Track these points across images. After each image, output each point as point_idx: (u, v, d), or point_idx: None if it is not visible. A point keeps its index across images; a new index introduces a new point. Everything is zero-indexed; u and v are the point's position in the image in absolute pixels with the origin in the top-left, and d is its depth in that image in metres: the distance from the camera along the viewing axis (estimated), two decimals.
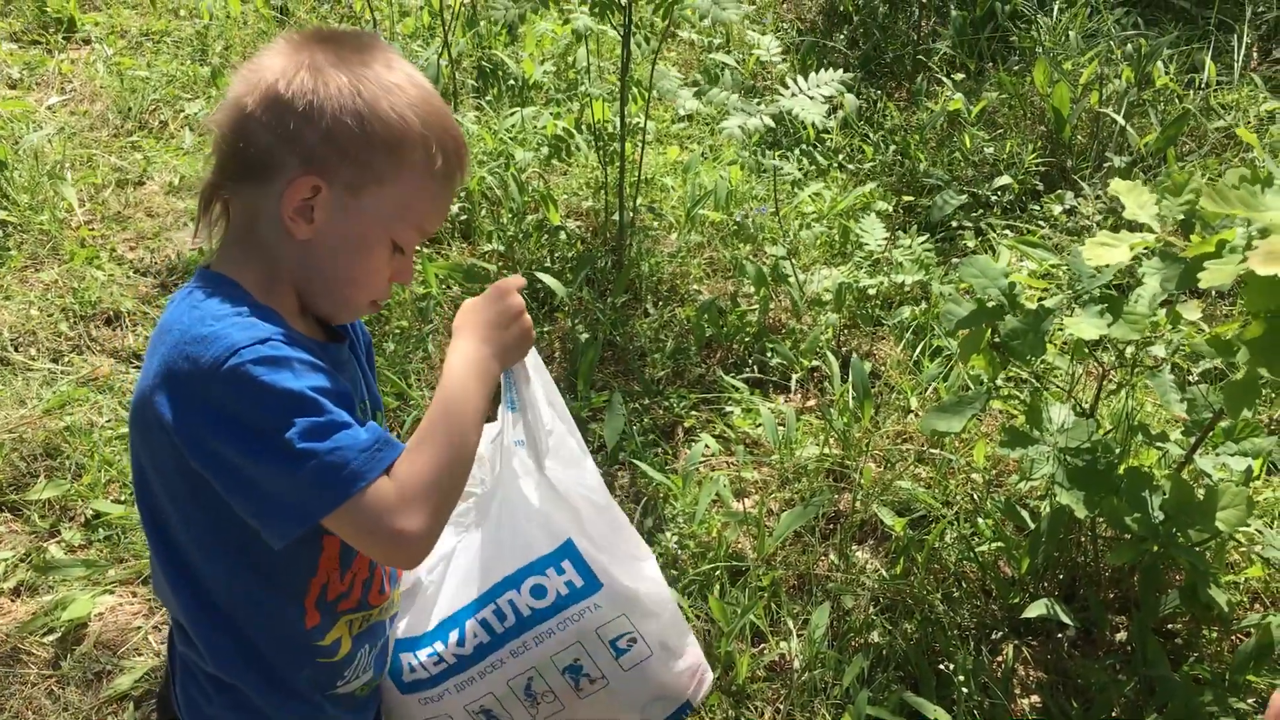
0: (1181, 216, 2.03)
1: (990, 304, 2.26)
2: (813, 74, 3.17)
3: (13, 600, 2.55)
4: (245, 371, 1.13)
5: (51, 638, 2.45)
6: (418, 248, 1.66)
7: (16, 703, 2.33)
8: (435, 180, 1.26)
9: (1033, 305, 2.27)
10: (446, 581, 1.58)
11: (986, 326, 2.30)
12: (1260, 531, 2.49)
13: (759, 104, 3.17)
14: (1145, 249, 2.01)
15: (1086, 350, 2.42)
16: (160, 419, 1.17)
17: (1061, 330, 2.71)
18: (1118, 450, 2.30)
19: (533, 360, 1.51)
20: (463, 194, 3.81)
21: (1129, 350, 2.52)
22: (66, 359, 3.22)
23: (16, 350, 3.21)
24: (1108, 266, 2.18)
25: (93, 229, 3.74)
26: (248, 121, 1.20)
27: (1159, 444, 2.41)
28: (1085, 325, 2.15)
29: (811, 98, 3.15)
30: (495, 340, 1.37)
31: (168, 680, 1.45)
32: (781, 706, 2.32)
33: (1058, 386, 2.78)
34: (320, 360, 1.21)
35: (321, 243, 1.24)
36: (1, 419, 2.96)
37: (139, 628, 2.49)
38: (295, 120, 1.19)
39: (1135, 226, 2.07)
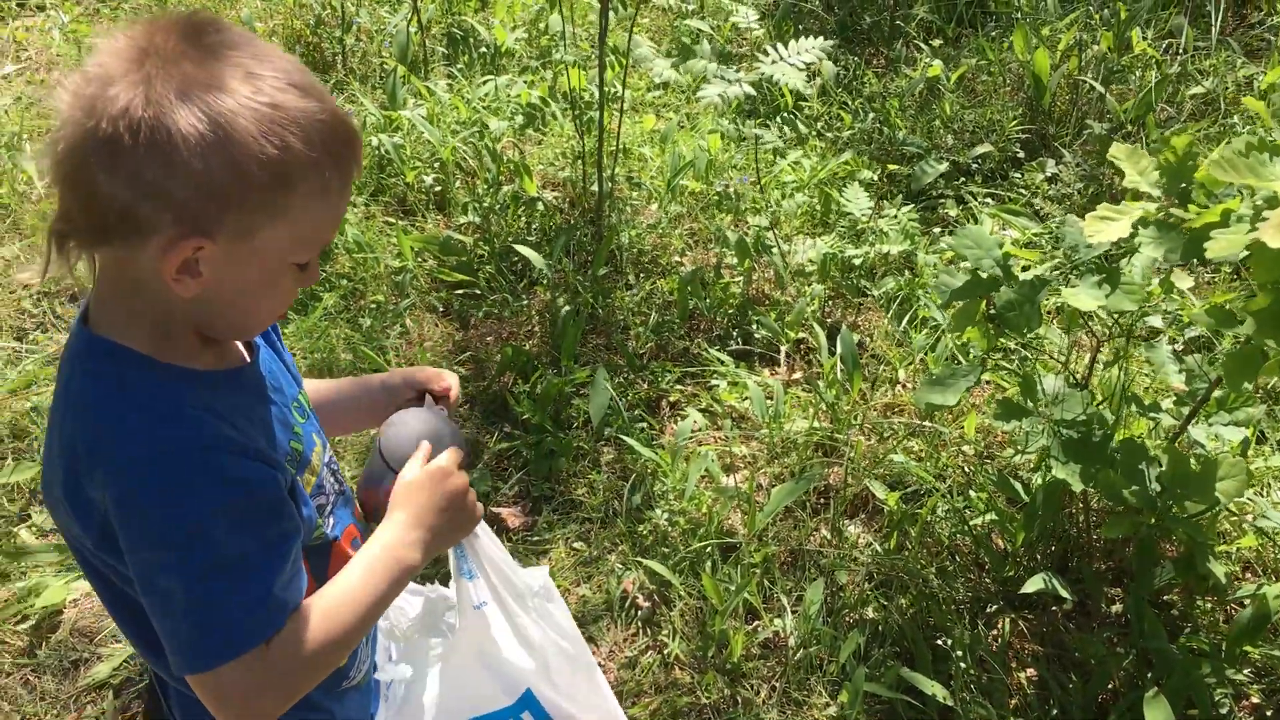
0: (1182, 184, 2.00)
1: (985, 276, 2.22)
2: (793, 41, 3.11)
3: None
4: (178, 478, 1.08)
5: (25, 625, 2.38)
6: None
7: None
8: (332, 194, 1.10)
9: (1026, 276, 2.24)
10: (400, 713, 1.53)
11: (981, 298, 2.27)
12: (1252, 500, 2.49)
13: (738, 72, 3.11)
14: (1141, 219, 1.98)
15: (1081, 321, 2.39)
16: (95, 505, 1.10)
17: (1054, 301, 2.68)
18: (1113, 422, 2.28)
19: (481, 527, 1.46)
20: (436, 164, 3.73)
21: (1123, 320, 2.50)
22: (31, 337, 3.12)
23: (43, 287, 3.12)
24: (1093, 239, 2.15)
25: (53, 202, 3.62)
26: (95, 176, 1.00)
27: (1152, 415, 2.39)
28: (1083, 296, 2.12)
29: (792, 65, 3.09)
30: (431, 525, 1.29)
31: (156, 696, 1.39)
32: (777, 684, 2.29)
33: (1050, 357, 2.76)
34: (237, 409, 1.15)
35: (216, 293, 1.10)
36: None
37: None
38: (154, 172, 0.99)
39: (1136, 195, 2.04)
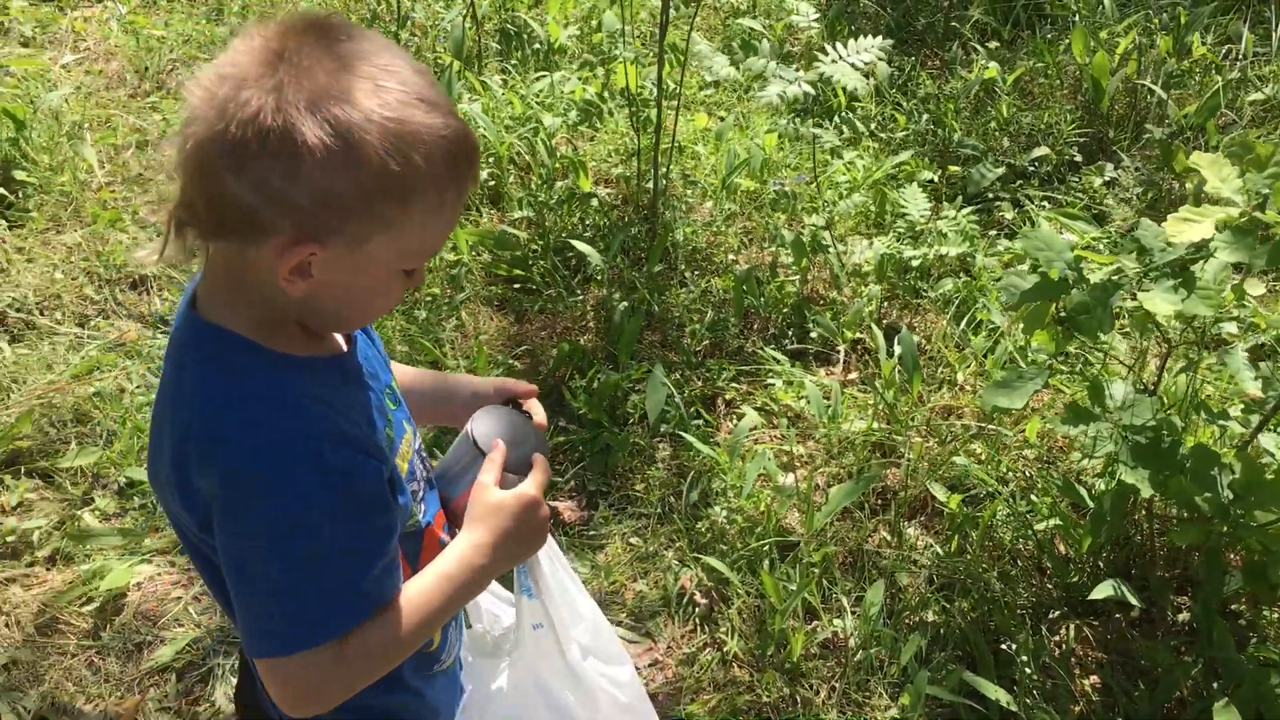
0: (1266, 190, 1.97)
1: (1055, 278, 2.20)
2: (852, 41, 3.10)
3: (48, 569, 2.49)
4: (286, 467, 1.10)
5: (90, 607, 2.41)
6: None
7: (56, 673, 2.29)
8: (447, 208, 1.12)
9: (1099, 279, 2.21)
10: None
11: (1052, 301, 2.25)
12: None
13: (797, 71, 3.10)
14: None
15: (1152, 326, 2.37)
16: (200, 491, 1.13)
17: (1124, 305, 2.65)
18: (1181, 428, 2.26)
19: (549, 547, 1.46)
20: (491, 159, 3.74)
21: (1195, 326, 2.47)
22: (93, 323, 3.15)
23: (42, 314, 3.15)
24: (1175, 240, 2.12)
25: (113, 191, 3.66)
26: (221, 176, 1.02)
27: (1220, 422, 2.36)
28: (1158, 300, 2.10)
29: (852, 64, 3.08)
30: (509, 553, 1.31)
31: (250, 676, 1.41)
32: (837, 685, 2.28)
33: (1119, 361, 2.74)
34: (340, 397, 1.18)
35: (324, 293, 1.12)
36: (30, 384, 2.90)
37: (178, 598, 2.44)
38: (279, 179, 1.02)
39: (1198, 200, 2.02)
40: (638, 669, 2.31)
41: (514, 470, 1.35)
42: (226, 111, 1.01)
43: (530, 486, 1.32)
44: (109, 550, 2.51)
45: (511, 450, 1.36)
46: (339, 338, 1.27)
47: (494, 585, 1.62)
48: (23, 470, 2.70)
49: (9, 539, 2.52)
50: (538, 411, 1.49)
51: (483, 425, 1.37)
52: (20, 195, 3.56)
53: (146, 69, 4.31)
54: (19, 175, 3.59)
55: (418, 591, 1.22)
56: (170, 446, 1.14)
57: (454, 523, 1.39)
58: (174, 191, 1.08)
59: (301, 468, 1.11)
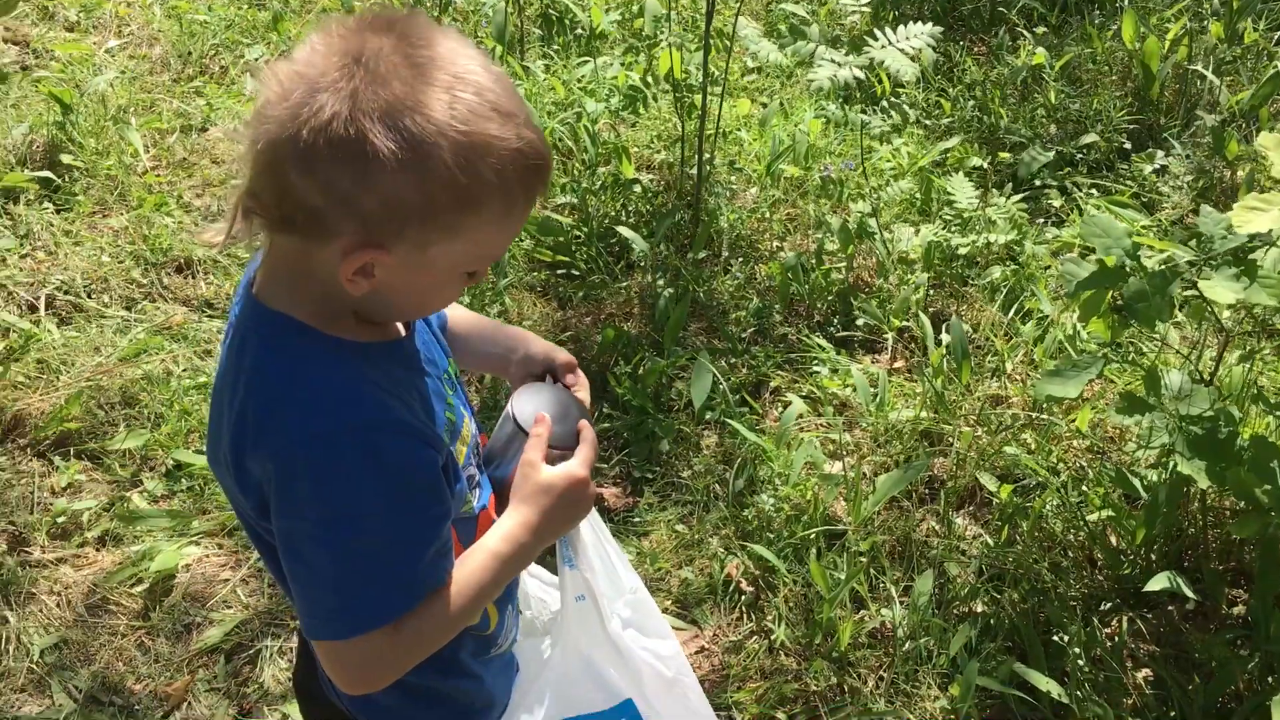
0: None
1: (1113, 265, 2.17)
2: (901, 26, 3.06)
3: (98, 550, 2.51)
4: (342, 455, 1.10)
5: (140, 588, 2.42)
6: None
7: (107, 653, 2.31)
8: (513, 217, 1.12)
9: (1156, 266, 2.18)
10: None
11: (1108, 289, 2.22)
12: None
13: (846, 55, 3.06)
14: None
15: (1210, 314, 2.33)
16: (253, 475, 1.14)
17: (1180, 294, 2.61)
18: (1239, 419, 2.22)
19: (591, 518, 1.44)
20: None
21: (1255, 315, 2.43)
22: (139, 306, 3.17)
23: (90, 297, 3.17)
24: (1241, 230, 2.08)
25: (159, 175, 3.68)
26: (290, 177, 1.03)
27: (1278, 413, 2.33)
28: (1219, 288, 2.07)
29: (902, 50, 3.04)
30: (554, 531, 1.32)
31: (306, 664, 1.41)
32: (885, 675, 2.26)
33: (1174, 351, 2.70)
34: (399, 383, 1.18)
35: (385, 291, 1.12)
36: (78, 367, 2.92)
37: (226, 580, 2.45)
38: (347, 185, 1.02)
39: (1250, 186, 1.98)
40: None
41: (558, 445, 1.34)
42: (300, 115, 1.01)
43: (577, 465, 1.31)
44: (158, 532, 2.53)
45: (556, 425, 1.35)
46: (398, 324, 1.26)
47: (541, 571, 1.62)
48: (72, 452, 2.72)
49: (59, 520, 2.54)
50: (582, 384, 1.47)
51: (524, 404, 1.36)
52: (67, 179, 3.58)
53: (190, 54, 4.32)
54: (66, 159, 3.62)
55: (468, 570, 1.22)
56: (229, 429, 1.14)
57: (504, 504, 1.39)
58: (243, 178, 1.08)
59: (357, 456, 1.10)
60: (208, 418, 1.28)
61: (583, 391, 1.47)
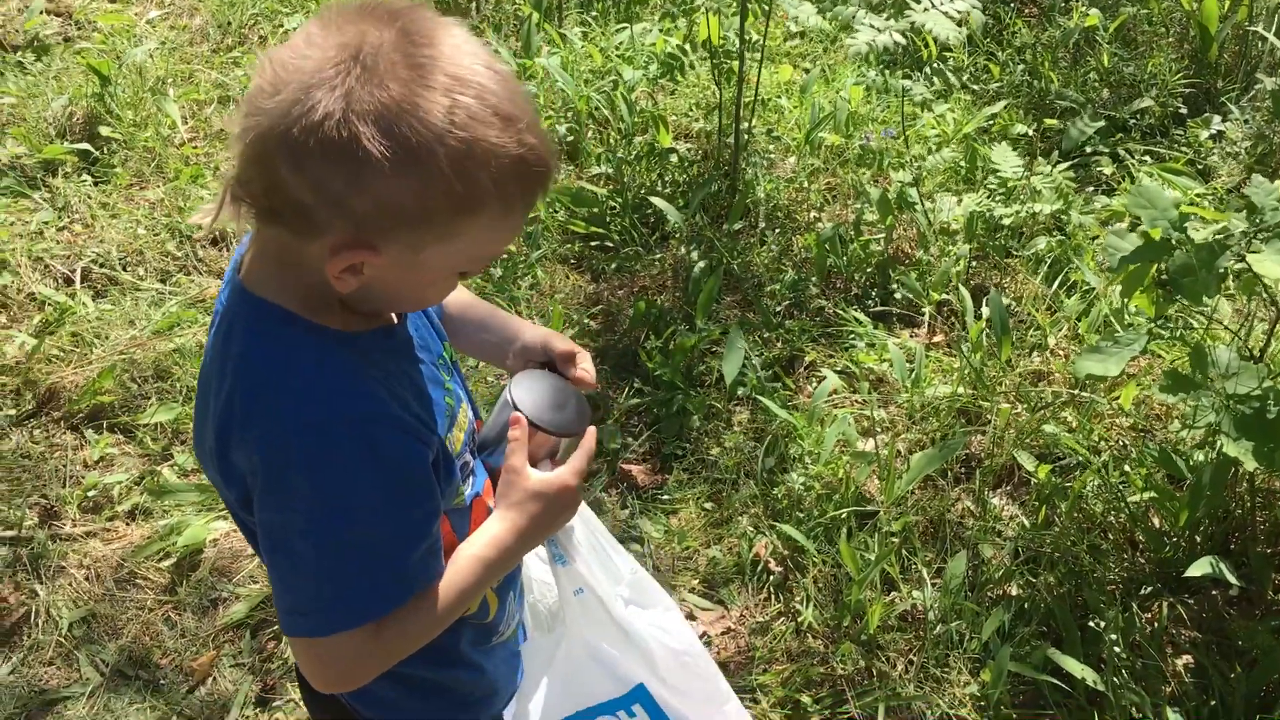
0: None
1: (1158, 238, 2.08)
2: None
3: (128, 524, 2.53)
4: (334, 447, 1.07)
5: (167, 563, 2.43)
6: None
7: (134, 627, 2.32)
8: (509, 221, 1.07)
9: (1204, 239, 2.09)
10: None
11: (1153, 262, 2.13)
12: None
13: (887, 19, 2.97)
14: None
15: (1260, 289, 2.23)
16: (238, 467, 1.11)
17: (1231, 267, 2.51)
18: None
19: (581, 510, 1.42)
20: (570, 114, 3.68)
21: None
22: (174, 279, 3.18)
23: (125, 270, 3.18)
24: None
25: (196, 147, 3.68)
26: (280, 172, 0.98)
27: None
28: (1269, 262, 1.98)
29: (945, 13, 2.94)
30: (540, 534, 1.29)
31: None
32: (915, 658, 2.21)
33: (1223, 327, 2.59)
34: (390, 373, 1.14)
35: (375, 288, 1.09)
36: (112, 340, 2.93)
37: (252, 555, 2.45)
38: (338, 185, 0.97)
39: None
40: (709, 637, 2.28)
41: (557, 430, 1.30)
42: (292, 112, 0.96)
43: (569, 475, 1.27)
44: (186, 506, 2.53)
45: (553, 413, 1.31)
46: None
47: (543, 553, 1.58)
48: (105, 425, 2.74)
49: (90, 493, 2.55)
50: (587, 369, 1.42)
51: (522, 391, 1.32)
52: (105, 151, 3.59)
53: (229, 24, 4.32)
54: (104, 131, 3.63)
55: (452, 573, 1.19)
56: (214, 417, 1.11)
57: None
58: (232, 164, 1.05)
59: (345, 448, 1.07)
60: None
61: (586, 362, 1.42)
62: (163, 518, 2.51)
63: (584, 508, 1.43)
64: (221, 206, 1.08)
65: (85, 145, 3.57)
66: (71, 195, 3.39)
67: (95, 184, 3.49)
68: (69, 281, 3.13)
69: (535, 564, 1.58)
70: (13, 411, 2.75)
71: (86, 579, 2.39)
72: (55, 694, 2.19)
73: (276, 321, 1.10)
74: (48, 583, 2.38)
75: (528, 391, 1.32)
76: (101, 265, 3.18)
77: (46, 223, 3.30)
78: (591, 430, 1.33)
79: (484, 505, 1.31)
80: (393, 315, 1.21)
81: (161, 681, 2.23)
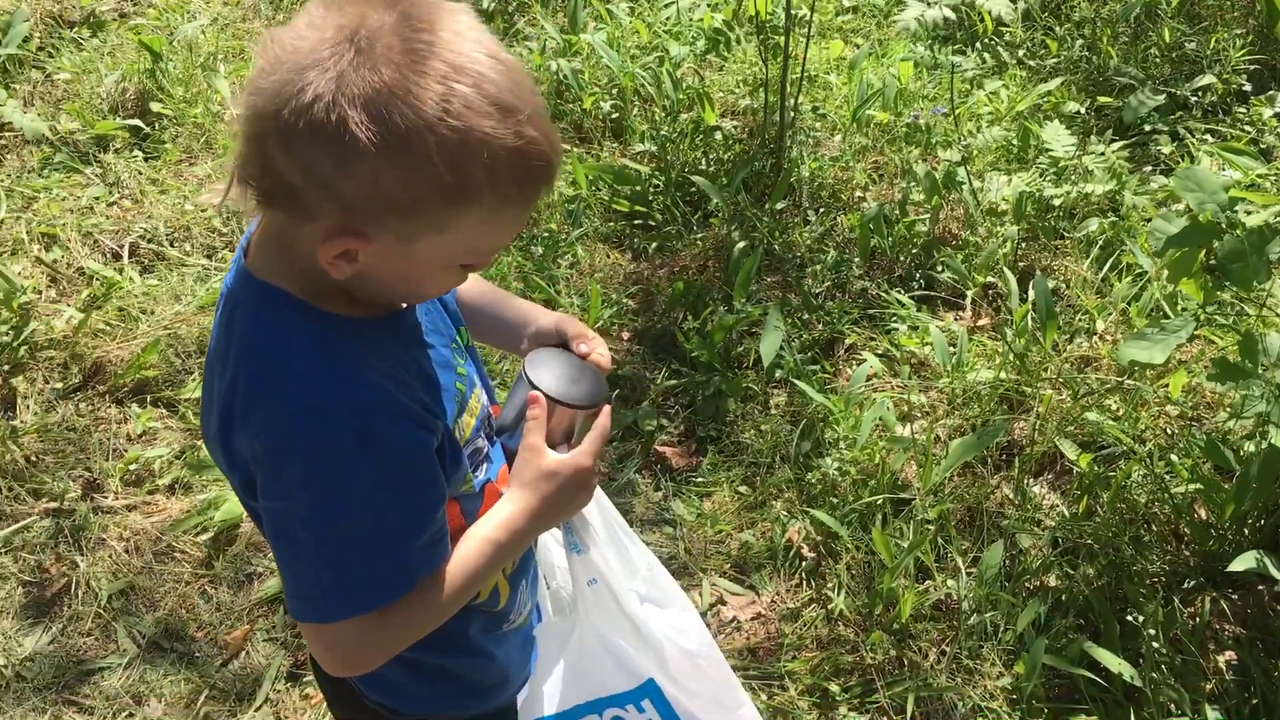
0: None
1: (1207, 221, 2.01)
2: None
3: (168, 497, 2.56)
4: (335, 435, 1.06)
5: (204, 537, 2.46)
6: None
7: (171, 600, 2.35)
8: (507, 216, 1.04)
9: (1257, 223, 2.01)
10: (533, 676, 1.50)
11: (1201, 247, 2.06)
12: None
13: None
14: None
15: None
16: (240, 453, 1.11)
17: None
18: None
19: (597, 497, 1.40)
20: (615, 90, 3.65)
21: None
22: (220, 255, 3.21)
23: (172, 245, 3.22)
24: None
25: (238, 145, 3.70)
26: (273, 153, 0.98)
27: None
28: None
29: None
30: (553, 518, 1.28)
31: None
32: (947, 649, 2.17)
33: (1277, 314, 2.51)
34: (396, 359, 1.13)
35: (372, 277, 1.07)
36: (158, 315, 2.97)
37: None
38: (327, 168, 0.96)
39: None
40: (738, 621, 2.27)
41: (573, 404, 1.29)
42: (284, 92, 0.95)
43: (584, 456, 1.26)
44: (225, 481, 2.55)
45: (569, 386, 1.30)
46: None
47: (560, 538, 1.57)
48: (148, 399, 2.77)
49: (132, 466, 2.59)
50: (602, 353, 1.40)
51: (538, 369, 1.31)
52: (156, 127, 3.63)
53: (282, 0, 4.34)
54: (155, 107, 3.66)
55: (461, 556, 1.18)
56: (219, 400, 1.11)
57: None
58: (236, 145, 1.04)
59: (345, 437, 1.06)
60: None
61: (600, 346, 1.40)
62: (201, 492, 2.55)
63: (603, 498, 1.41)
64: (230, 187, 1.07)
65: (136, 121, 3.61)
66: (122, 171, 3.44)
67: (145, 160, 3.53)
68: (117, 256, 3.17)
69: (557, 550, 1.57)
70: (60, 385, 2.80)
71: (126, 551, 2.43)
72: (92, 664, 2.24)
73: (279, 306, 1.09)
74: (88, 554, 2.42)
75: (542, 367, 1.31)
76: (149, 241, 3.22)
77: (97, 198, 3.34)
78: (606, 410, 1.32)
79: (496, 491, 1.30)
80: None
81: (196, 654, 2.26)
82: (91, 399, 2.78)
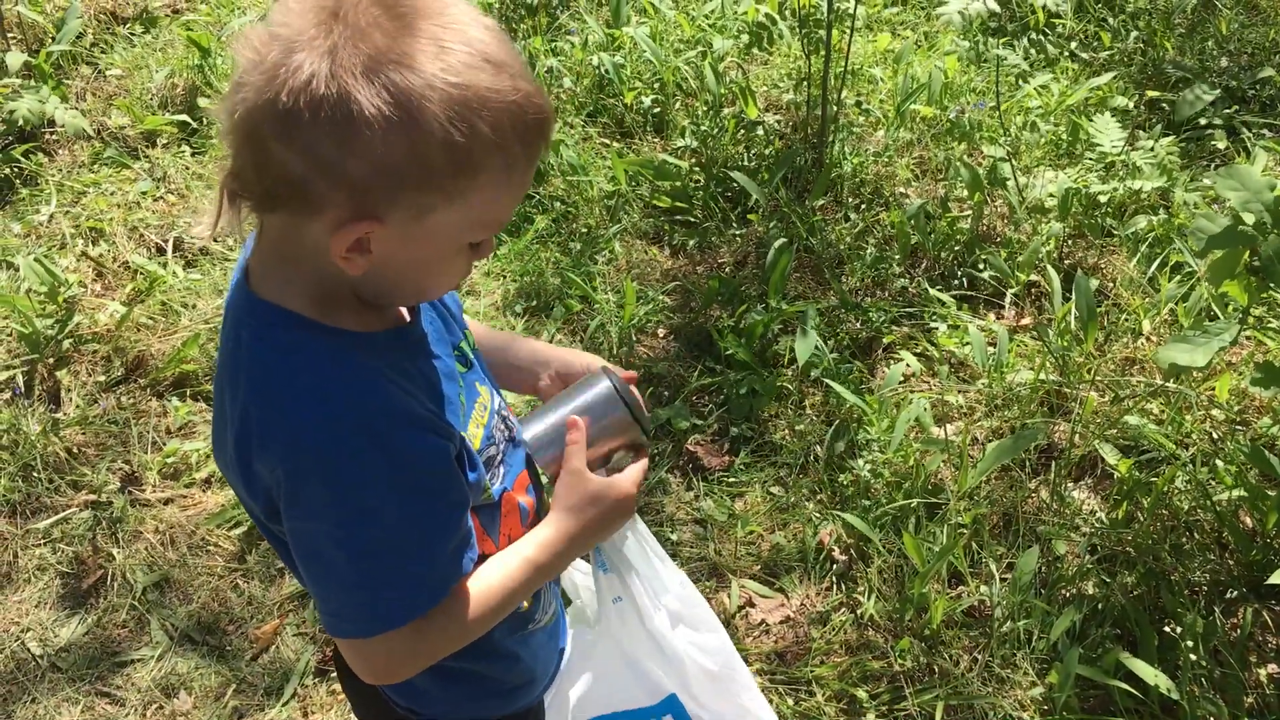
0: None
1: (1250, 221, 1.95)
2: None
3: (204, 490, 2.59)
4: (355, 450, 1.05)
5: (238, 531, 2.48)
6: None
7: (204, 593, 2.38)
8: (514, 179, 1.03)
9: None
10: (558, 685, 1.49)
11: (1244, 248, 1.99)
12: None
13: None
14: None
15: None
16: (262, 479, 1.09)
17: None
18: None
19: (633, 519, 1.40)
20: (656, 85, 3.63)
21: None
22: None
23: (215, 240, 3.25)
24: None
25: (227, 159, 3.72)
26: (270, 145, 0.94)
27: None
28: None
29: None
30: (593, 539, 1.29)
31: None
32: (979, 656, 2.13)
33: None
34: (406, 373, 1.11)
35: (384, 269, 1.05)
36: (199, 309, 3.00)
37: None
38: (331, 150, 0.93)
39: None
40: (766, 624, 2.24)
41: (647, 429, 1.33)
42: (277, 77, 0.93)
43: (629, 483, 1.28)
44: None
45: (642, 413, 1.33)
46: (402, 309, 1.20)
47: (582, 564, 1.57)
48: (188, 393, 2.81)
49: (170, 460, 2.62)
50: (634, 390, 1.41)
51: (620, 387, 1.33)
52: (204, 122, 3.67)
53: None
54: (203, 103, 3.71)
55: (500, 575, 1.18)
56: (232, 430, 1.10)
57: (538, 484, 1.33)
58: (225, 158, 1.02)
59: (369, 452, 1.05)
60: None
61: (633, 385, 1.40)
62: None
63: (637, 520, 1.41)
64: (220, 212, 1.05)
65: (184, 117, 3.65)
66: (169, 166, 3.48)
67: (193, 154, 3.57)
68: (161, 251, 3.21)
69: (578, 573, 1.57)
70: (103, 378, 2.84)
71: (161, 544, 2.46)
72: (125, 656, 2.27)
73: (285, 327, 1.07)
74: (125, 546, 2.45)
75: (623, 388, 1.32)
76: (193, 235, 3.25)
77: (144, 193, 3.39)
78: (646, 442, 1.35)
79: (513, 500, 1.29)
80: (405, 313, 1.19)
81: (226, 647, 2.28)
82: (133, 392, 2.82)
